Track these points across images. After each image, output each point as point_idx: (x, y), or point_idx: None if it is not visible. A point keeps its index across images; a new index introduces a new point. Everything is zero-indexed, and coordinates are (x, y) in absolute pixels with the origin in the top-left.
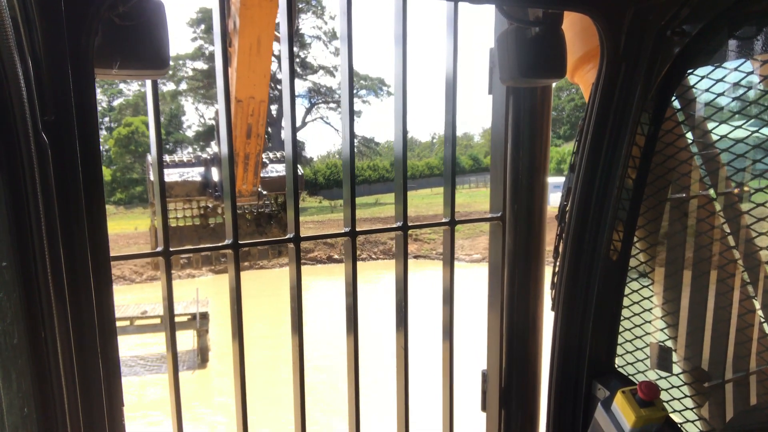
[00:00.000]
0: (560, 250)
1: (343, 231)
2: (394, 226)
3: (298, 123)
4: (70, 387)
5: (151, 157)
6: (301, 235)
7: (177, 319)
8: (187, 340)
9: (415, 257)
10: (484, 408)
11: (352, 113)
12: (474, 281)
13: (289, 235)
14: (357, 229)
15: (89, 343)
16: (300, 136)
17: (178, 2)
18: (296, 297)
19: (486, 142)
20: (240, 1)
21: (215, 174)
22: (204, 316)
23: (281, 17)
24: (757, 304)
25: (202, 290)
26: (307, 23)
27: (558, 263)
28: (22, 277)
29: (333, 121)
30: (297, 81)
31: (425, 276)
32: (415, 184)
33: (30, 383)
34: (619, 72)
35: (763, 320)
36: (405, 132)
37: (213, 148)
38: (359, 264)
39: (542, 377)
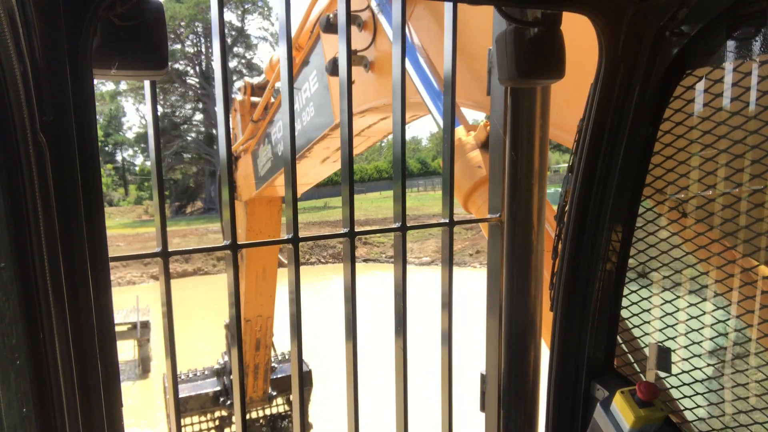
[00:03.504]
0: (559, 250)
1: (341, 231)
2: (393, 227)
3: None
4: (69, 387)
5: (150, 156)
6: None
7: (116, 329)
8: (127, 350)
9: (365, 261)
10: (482, 408)
11: (350, 115)
12: (425, 282)
13: (288, 236)
14: (353, 231)
15: (88, 343)
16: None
17: None
18: (295, 300)
19: (434, 146)
20: (246, 240)
21: (227, 382)
22: (145, 325)
23: (280, 11)
24: (757, 304)
25: (142, 298)
26: (253, 24)
27: (557, 264)
28: (21, 278)
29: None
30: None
31: (376, 279)
32: (364, 188)
33: (28, 383)
34: (618, 72)
35: (762, 320)
36: (404, 134)
37: (224, 357)
38: (305, 268)
39: (541, 378)
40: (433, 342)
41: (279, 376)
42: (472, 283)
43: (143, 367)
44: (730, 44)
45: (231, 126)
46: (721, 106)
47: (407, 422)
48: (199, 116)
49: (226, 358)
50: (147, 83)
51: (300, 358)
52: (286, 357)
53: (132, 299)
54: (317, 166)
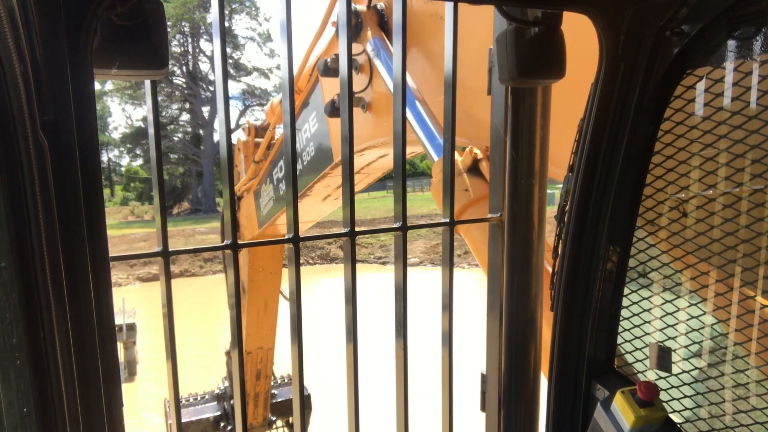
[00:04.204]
0: (559, 250)
1: (342, 231)
2: (394, 226)
3: (233, 125)
4: (69, 387)
5: (150, 156)
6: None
7: None
8: None
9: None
10: (483, 408)
11: (350, 114)
12: (413, 283)
13: (288, 236)
14: (354, 230)
15: (88, 342)
16: (233, 138)
17: None
18: (295, 301)
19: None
20: (248, 276)
21: (228, 407)
22: (131, 327)
23: (280, 9)
24: (757, 304)
25: (128, 300)
26: (240, 24)
27: (557, 263)
28: (21, 277)
29: None
30: (231, 83)
31: (364, 281)
32: None
33: (29, 383)
34: (618, 72)
35: (763, 320)
36: (404, 133)
37: (224, 383)
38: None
39: (541, 377)
40: (424, 342)
41: (279, 400)
42: (461, 283)
43: (129, 370)
44: (730, 44)
45: (235, 163)
46: (722, 106)
47: (407, 423)
48: (185, 116)
49: (227, 384)
50: (147, 83)
51: (300, 359)
52: (286, 381)
53: (117, 301)
54: (318, 204)
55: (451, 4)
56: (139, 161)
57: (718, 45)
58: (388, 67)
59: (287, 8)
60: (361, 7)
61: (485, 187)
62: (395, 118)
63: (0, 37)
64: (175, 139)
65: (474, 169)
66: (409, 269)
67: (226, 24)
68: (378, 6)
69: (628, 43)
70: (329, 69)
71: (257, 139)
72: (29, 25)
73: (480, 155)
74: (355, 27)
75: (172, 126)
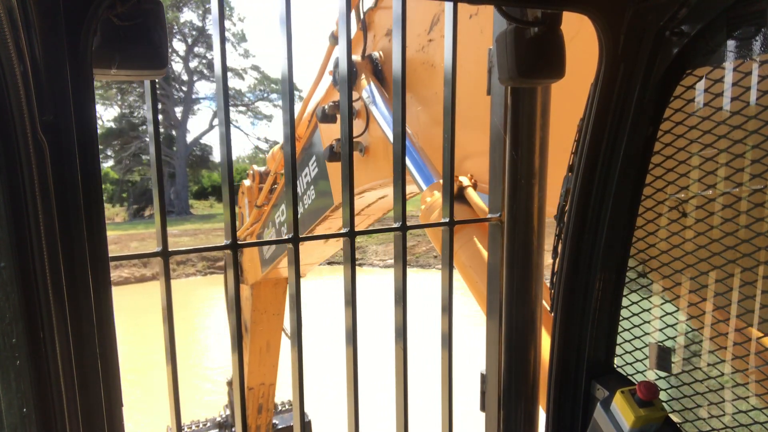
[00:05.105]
0: (559, 250)
1: (341, 231)
2: (393, 226)
3: (205, 126)
4: (69, 387)
5: (150, 156)
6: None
7: None
8: None
9: (329, 264)
10: (482, 408)
11: (350, 111)
12: (392, 284)
13: (288, 236)
14: (353, 231)
15: (88, 343)
16: (205, 139)
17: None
18: (295, 301)
19: None
20: (251, 318)
21: None
22: None
23: (279, 8)
24: (757, 304)
25: None
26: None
27: (557, 263)
28: (21, 278)
29: (243, 124)
30: (203, 83)
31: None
32: None
33: (29, 383)
34: (618, 72)
35: (762, 320)
36: (404, 133)
37: (225, 411)
38: None
39: (541, 377)
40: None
41: (279, 428)
42: (438, 286)
43: None
44: (730, 44)
45: (239, 205)
46: (721, 106)
47: (407, 423)
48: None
49: (228, 412)
50: (147, 83)
51: (300, 363)
52: (287, 407)
53: None
54: (320, 246)
55: (451, 4)
56: (110, 162)
57: (718, 45)
58: (385, 114)
59: (287, 7)
60: (356, 57)
61: (471, 213)
62: (395, 118)
63: (0, 37)
64: (147, 139)
65: (459, 196)
66: (384, 270)
67: (200, 24)
68: (373, 55)
69: (628, 43)
70: (327, 116)
71: (261, 185)
72: (29, 25)
73: (465, 183)
74: None
75: (144, 127)
